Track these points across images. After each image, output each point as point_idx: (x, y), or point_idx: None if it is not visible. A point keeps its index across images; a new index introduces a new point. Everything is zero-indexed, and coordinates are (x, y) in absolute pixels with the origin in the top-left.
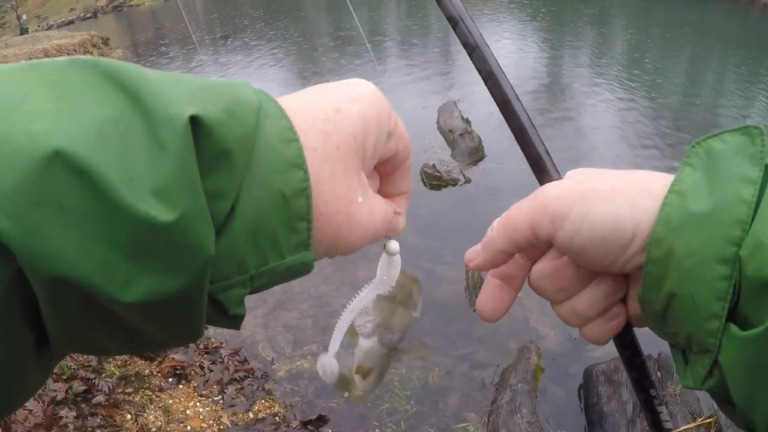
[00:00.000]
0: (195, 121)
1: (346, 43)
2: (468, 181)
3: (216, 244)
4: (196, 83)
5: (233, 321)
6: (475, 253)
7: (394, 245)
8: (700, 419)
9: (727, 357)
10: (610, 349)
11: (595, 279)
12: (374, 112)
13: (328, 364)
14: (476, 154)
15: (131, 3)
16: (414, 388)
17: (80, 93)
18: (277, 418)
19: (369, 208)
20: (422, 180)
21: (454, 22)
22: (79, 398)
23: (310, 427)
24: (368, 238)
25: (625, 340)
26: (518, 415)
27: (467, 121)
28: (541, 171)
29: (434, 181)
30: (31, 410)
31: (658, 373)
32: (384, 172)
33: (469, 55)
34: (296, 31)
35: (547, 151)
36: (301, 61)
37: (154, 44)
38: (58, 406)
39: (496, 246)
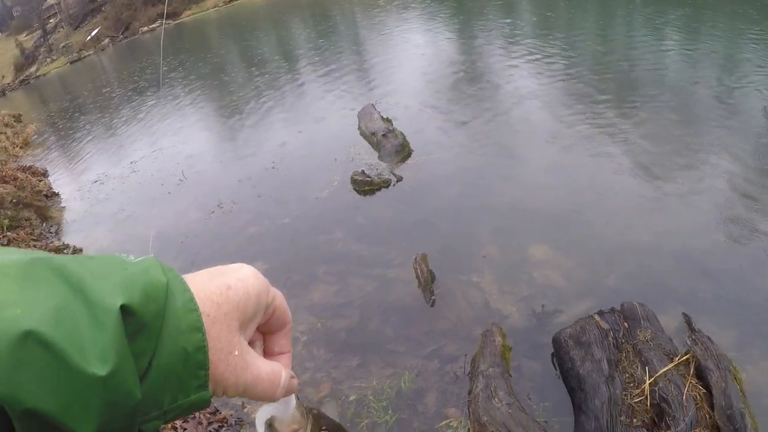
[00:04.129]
0: (123, 307)
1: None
2: (400, 179)
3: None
4: (121, 274)
5: None
6: None
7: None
8: (677, 358)
9: None
10: (575, 311)
11: None
12: (255, 291)
13: None
14: (403, 152)
15: (37, 74)
16: (389, 397)
17: (37, 285)
18: None
19: (244, 361)
20: (354, 189)
21: None
22: None
23: None
24: (241, 383)
25: None
26: (496, 399)
27: (388, 121)
28: None
29: (366, 186)
30: None
31: (625, 323)
32: (268, 331)
33: None
34: (215, 69)
35: None
36: (214, 98)
37: (68, 111)
38: None
39: None
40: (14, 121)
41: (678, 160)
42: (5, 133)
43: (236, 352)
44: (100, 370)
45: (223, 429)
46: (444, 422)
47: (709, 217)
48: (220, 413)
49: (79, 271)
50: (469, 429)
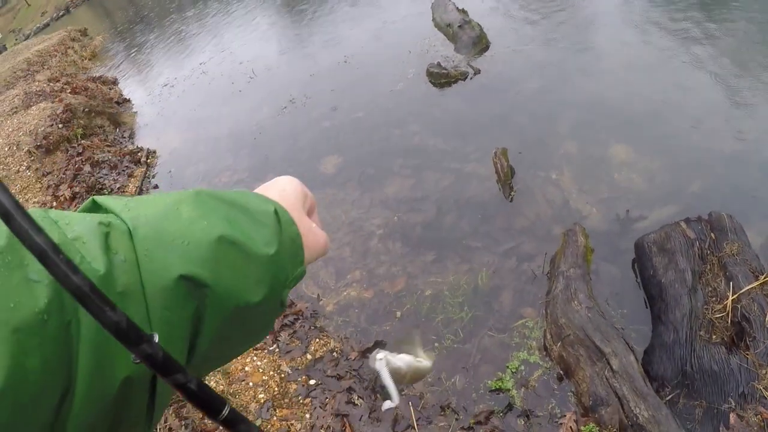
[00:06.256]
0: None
1: None
2: (477, 72)
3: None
4: (254, 197)
5: (283, 308)
6: None
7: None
8: (763, 277)
9: None
10: (657, 217)
11: None
12: (299, 187)
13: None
14: (480, 43)
15: None
16: (465, 294)
17: (206, 205)
18: (334, 353)
19: (315, 233)
20: (430, 81)
21: None
22: None
23: (368, 354)
24: (320, 247)
25: None
26: (575, 302)
27: (463, 12)
28: None
29: (443, 79)
30: None
31: (712, 234)
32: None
33: None
34: None
35: None
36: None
37: (133, 21)
38: None
39: None
40: (81, 35)
41: None
42: (73, 47)
43: (313, 226)
44: (270, 250)
45: (299, 321)
46: (520, 321)
47: None
48: (296, 306)
49: (229, 194)
50: (545, 330)
